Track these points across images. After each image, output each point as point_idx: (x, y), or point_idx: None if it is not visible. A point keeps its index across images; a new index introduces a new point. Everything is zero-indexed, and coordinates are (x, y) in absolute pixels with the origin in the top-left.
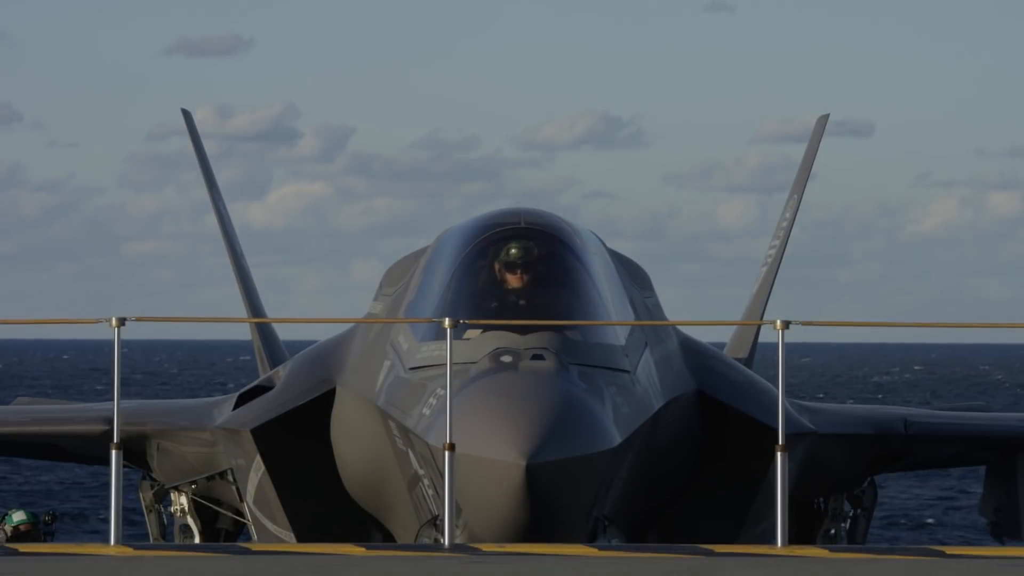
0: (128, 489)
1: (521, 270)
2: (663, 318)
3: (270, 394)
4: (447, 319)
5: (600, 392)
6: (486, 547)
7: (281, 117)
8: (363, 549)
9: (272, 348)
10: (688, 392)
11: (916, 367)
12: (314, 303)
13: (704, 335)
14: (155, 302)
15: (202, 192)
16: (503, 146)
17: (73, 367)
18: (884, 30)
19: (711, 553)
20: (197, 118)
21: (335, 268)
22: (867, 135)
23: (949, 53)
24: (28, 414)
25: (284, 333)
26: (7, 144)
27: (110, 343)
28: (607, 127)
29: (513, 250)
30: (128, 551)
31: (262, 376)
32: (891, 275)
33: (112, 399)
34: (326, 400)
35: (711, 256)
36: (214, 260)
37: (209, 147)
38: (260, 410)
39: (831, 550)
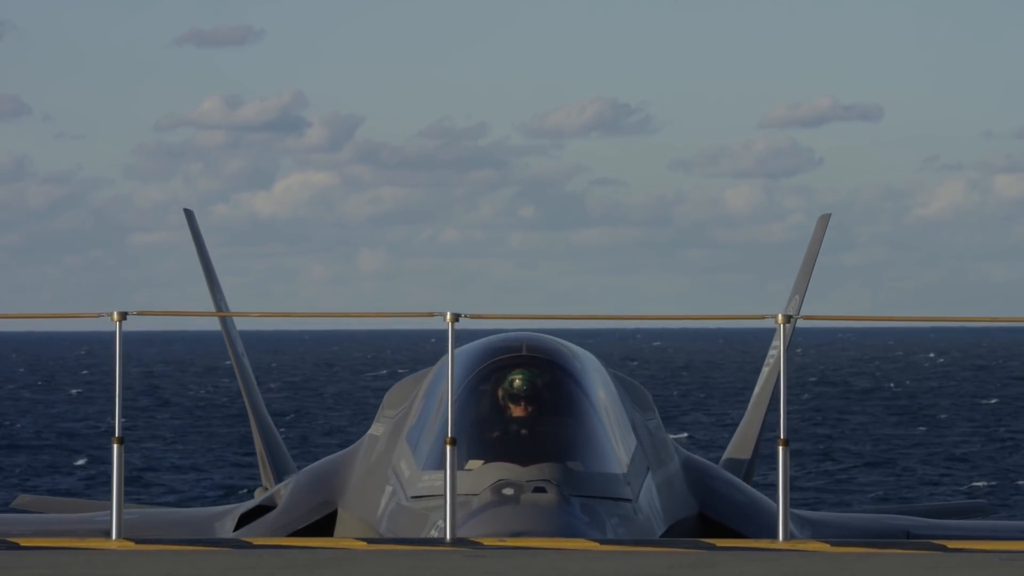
0: None
1: (524, 399)
2: (664, 439)
3: (271, 515)
4: (448, 313)
5: (602, 524)
6: (487, 541)
7: (289, 107)
8: (364, 543)
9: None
10: (690, 515)
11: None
12: (320, 293)
13: (702, 330)
14: (160, 293)
15: (208, 182)
16: (511, 133)
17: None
18: (893, 14)
19: (712, 547)
20: (205, 108)
21: (341, 258)
22: (876, 119)
23: (958, 36)
24: (28, 525)
25: (288, 324)
26: (16, 136)
27: (133, 336)
28: (615, 114)
29: (516, 380)
30: (130, 545)
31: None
32: (897, 259)
33: (114, 394)
34: (328, 521)
35: (717, 242)
36: (220, 251)
37: (217, 137)
38: (261, 532)
39: (832, 544)
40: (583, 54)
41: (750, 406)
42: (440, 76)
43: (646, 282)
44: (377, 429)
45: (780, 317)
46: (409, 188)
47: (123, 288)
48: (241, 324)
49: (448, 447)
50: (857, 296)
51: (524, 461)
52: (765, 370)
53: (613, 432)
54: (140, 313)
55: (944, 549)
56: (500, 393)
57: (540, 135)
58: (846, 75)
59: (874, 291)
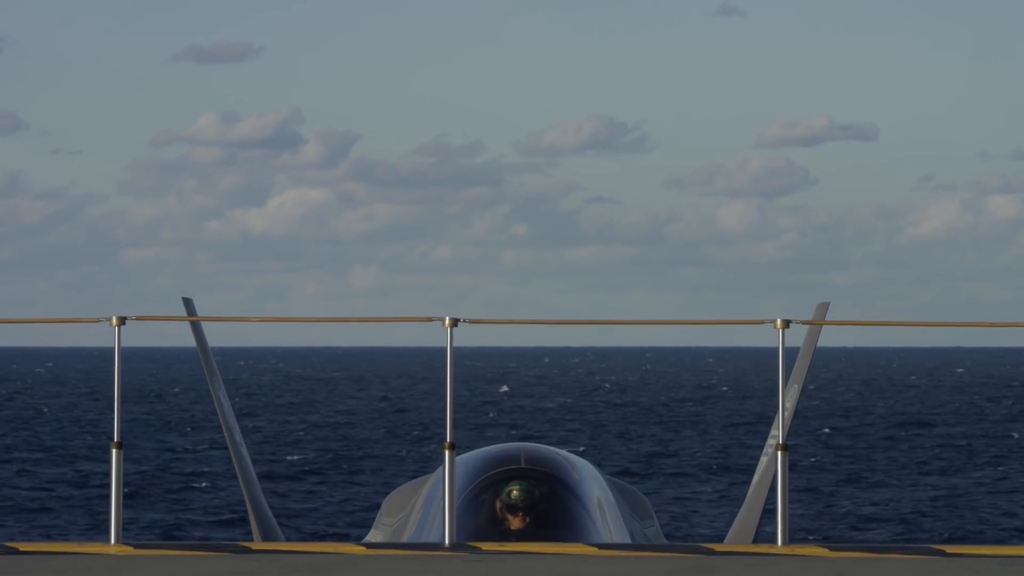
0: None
1: (522, 511)
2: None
3: None
4: (447, 318)
5: None
6: (486, 546)
7: (286, 123)
8: (363, 548)
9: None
10: None
11: (959, 369)
12: (313, 309)
13: (699, 333)
14: (152, 309)
15: (202, 198)
16: (506, 151)
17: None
18: (890, 35)
19: (711, 552)
20: (201, 124)
21: (334, 274)
22: (872, 139)
23: (954, 57)
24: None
25: (284, 339)
26: (12, 152)
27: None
28: (612, 132)
29: (514, 492)
30: (128, 550)
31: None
32: (890, 278)
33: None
34: None
35: (710, 260)
36: (212, 268)
37: (213, 154)
38: None
39: (831, 548)
40: (580, 73)
41: (751, 490)
42: (437, 94)
43: (639, 300)
44: (375, 536)
45: (779, 322)
46: (403, 205)
47: (115, 304)
48: (229, 340)
49: (447, 451)
50: (849, 315)
51: None
52: (764, 459)
53: (611, 543)
54: (139, 318)
55: (943, 554)
56: (498, 505)
57: (536, 153)
58: (843, 95)
59: (865, 310)
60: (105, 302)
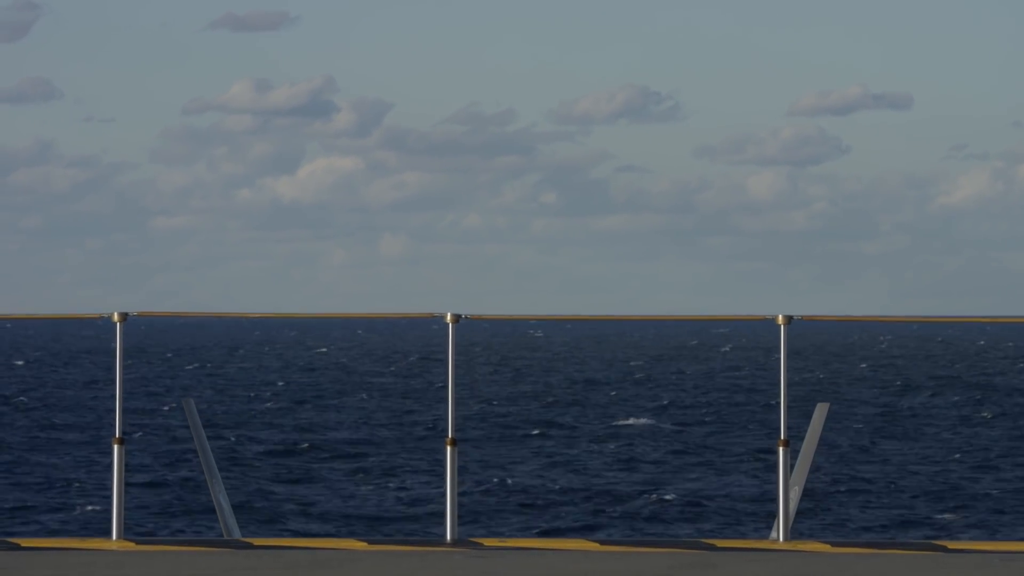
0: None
1: None
2: None
3: None
4: (449, 313)
5: None
6: (488, 541)
7: (319, 91)
8: (365, 544)
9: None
10: None
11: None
12: (341, 278)
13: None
14: (179, 278)
15: (232, 167)
16: (539, 120)
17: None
18: (926, 3)
19: (712, 547)
20: (234, 91)
21: (363, 243)
22: (905, 108)
23: (990, 25)
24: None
25: (309, 309)
26: (46, 120)
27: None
28: (645, 101)
29: None
30: (130, 545)
31: None
32: (919, 247)
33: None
34: None
35: (740, 229)
36: (241, 236)
37: (244, 122)
38: None
39: (833, 544)
40: (615, 41)
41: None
42: (471, 62)
43: (667, 269)
44: None
45: (781, 317)
46: (433, 174)
47: (143, 272)
48: (253, 308)
49: (448, 447)
50: (878, 284)
51: None
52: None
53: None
54: (141, 314)
55: (944, 550)
56: None
57: (568, 122)
58: (878, 64)
59: (894, 279)
60: (133, 269)
